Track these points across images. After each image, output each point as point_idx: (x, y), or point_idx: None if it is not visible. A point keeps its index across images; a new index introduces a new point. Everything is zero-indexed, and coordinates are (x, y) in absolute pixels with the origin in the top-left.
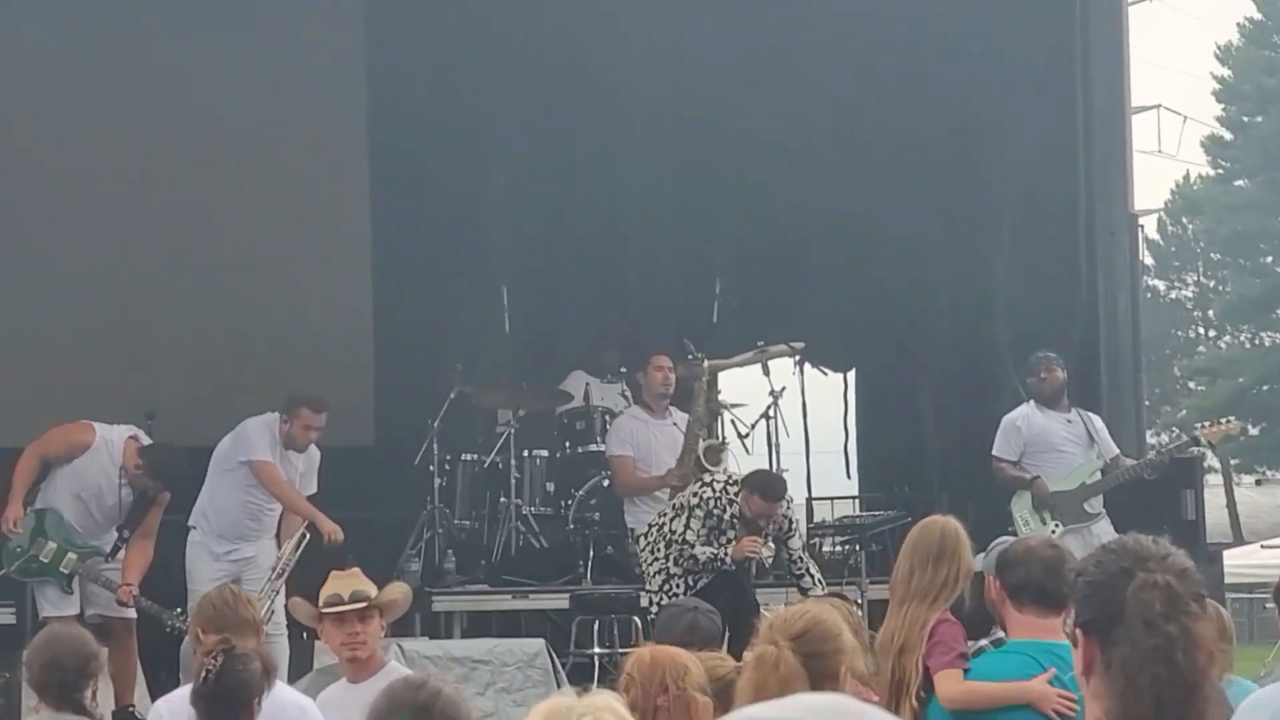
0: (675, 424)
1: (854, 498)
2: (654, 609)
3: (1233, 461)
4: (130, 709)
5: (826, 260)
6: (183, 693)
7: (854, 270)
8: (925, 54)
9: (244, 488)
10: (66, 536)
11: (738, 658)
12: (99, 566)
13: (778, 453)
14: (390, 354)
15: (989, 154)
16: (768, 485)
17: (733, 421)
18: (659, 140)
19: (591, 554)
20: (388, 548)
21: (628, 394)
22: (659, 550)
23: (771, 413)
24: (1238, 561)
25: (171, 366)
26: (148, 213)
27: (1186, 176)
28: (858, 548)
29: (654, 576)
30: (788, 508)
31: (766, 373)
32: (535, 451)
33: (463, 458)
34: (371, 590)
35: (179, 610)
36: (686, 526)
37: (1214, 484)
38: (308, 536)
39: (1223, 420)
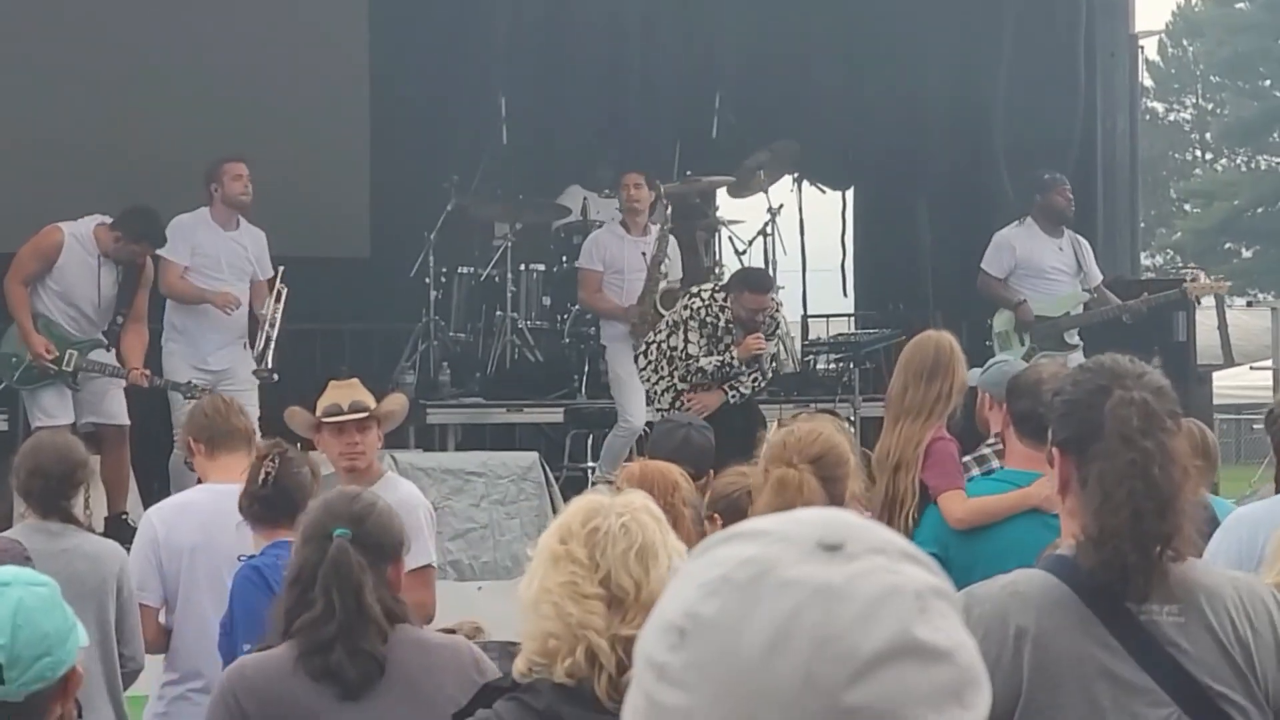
0: (657, 238)
1: (849, 315)
2: None
3: (1226, 283)
4: (123, 516)
5: (826, 77)
6: (175, 501)
7: (853, 87)
8: None
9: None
10: (61, 335)
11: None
12: (101, 360)
13: (775, 270)
14: (386, 165)
15: None
16: (756, 279)
17: (730, 238)
18: None
19: (586, 368)
20: (383, 359)
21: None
22: (663, 368)
23: (769, 230)
24: (1227, 382)
25: (164, 182)
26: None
27: None
28: (852, 365)
29: (663, 395)
30: (777, 307)
31: (765, 191)
32: (532, 265)
33: (459, 270)
34: (370, 401)
35: (189, 381)
36: (686, 341)
37: (1206, 305)
38: (285, 289)
39: (1212, 277)
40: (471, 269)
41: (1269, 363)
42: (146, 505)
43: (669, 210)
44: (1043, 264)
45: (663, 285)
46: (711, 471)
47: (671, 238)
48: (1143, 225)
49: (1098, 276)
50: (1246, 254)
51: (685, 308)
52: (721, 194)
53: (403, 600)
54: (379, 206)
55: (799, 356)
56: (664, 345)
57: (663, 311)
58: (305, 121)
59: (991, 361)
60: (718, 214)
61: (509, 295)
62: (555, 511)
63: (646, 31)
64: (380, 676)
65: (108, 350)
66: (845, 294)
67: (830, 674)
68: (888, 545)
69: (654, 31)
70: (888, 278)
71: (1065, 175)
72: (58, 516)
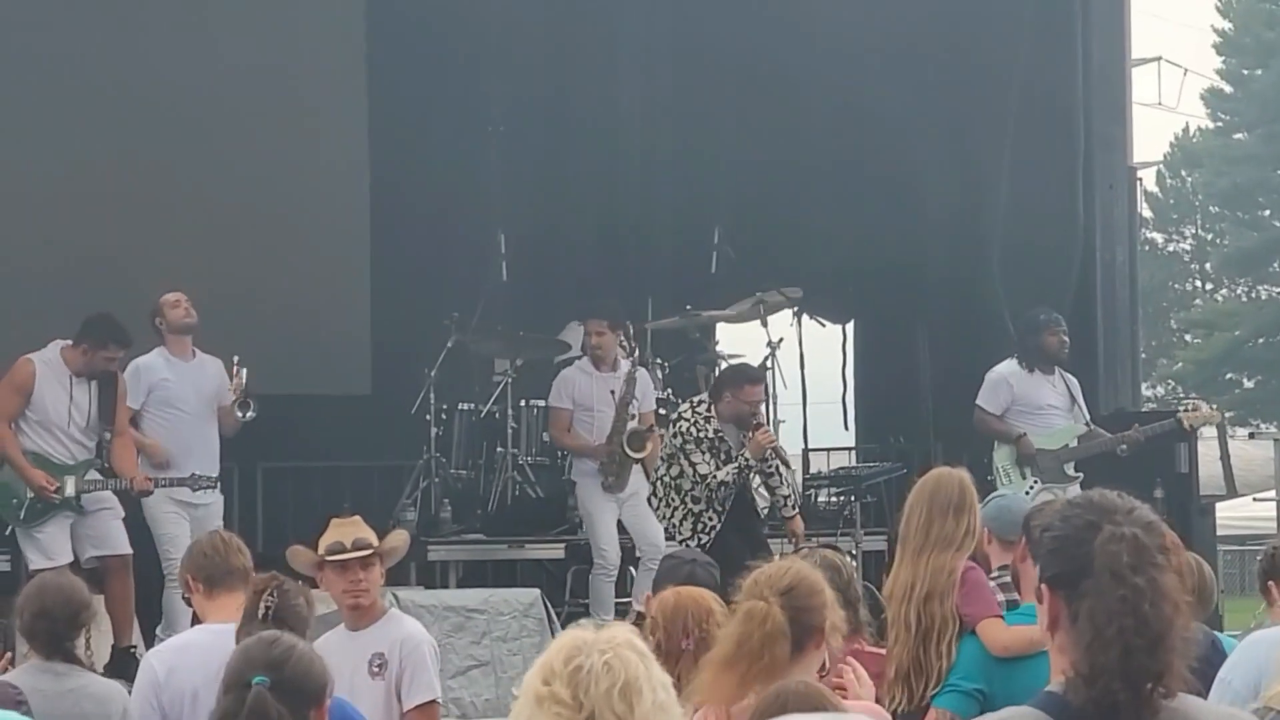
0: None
1: (850, 449)
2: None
3: (1227, 414)
4: (132, 650)
5: (825, 211)
6: (174, 644)
7: (852, 222)
8: (924, 5)
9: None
10: (54, 465)
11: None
12: (99, 476)
13: (775, 404)
14: (387, 303)
15: (988, 105)
16: (751, 372)
17: None
18: (656, 88)
19: None
20: (383, 496)
21: (625, 343)
22: (673, 500)
23: (769, 364)
24: (1231, 514)
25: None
26: (147, 150)
27: (1186, 129)
28: (853, 499)
29: (682, 524)
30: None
31: (764, 324)
32: (532, 401)
33: (459, 407)
34: (373, 538)
35: (191, 474)
36: (692, 465)
37: (1208, 436)
38: (244, 370)
39: (1206, 406)
40: (472, 405)
41: (1272, 494)
42: (145, 636)
43: (635, 352)
44: (1039, 400)
45: (631, 425)
46: None
47: (643, 371)
48: (1144, 356)
49: (1088, 414)
50: (1248, 384)
51: (675, 435)
52: (721, 328)
53: None
54: (379, 344)
55: (800, 490)
56: (665, 479)
57: (630, 453)
58: (306, 260)
59: (990, 496)
60: (717, 348)
61: (509, 431)
62: None
63: (645, 167)
64: None
65: (104, 467)
66: (846, 427)
67: None
68: None
69: (652, 167)
70: (888, 411)
71: (1064, 307)
72: (62, 657)
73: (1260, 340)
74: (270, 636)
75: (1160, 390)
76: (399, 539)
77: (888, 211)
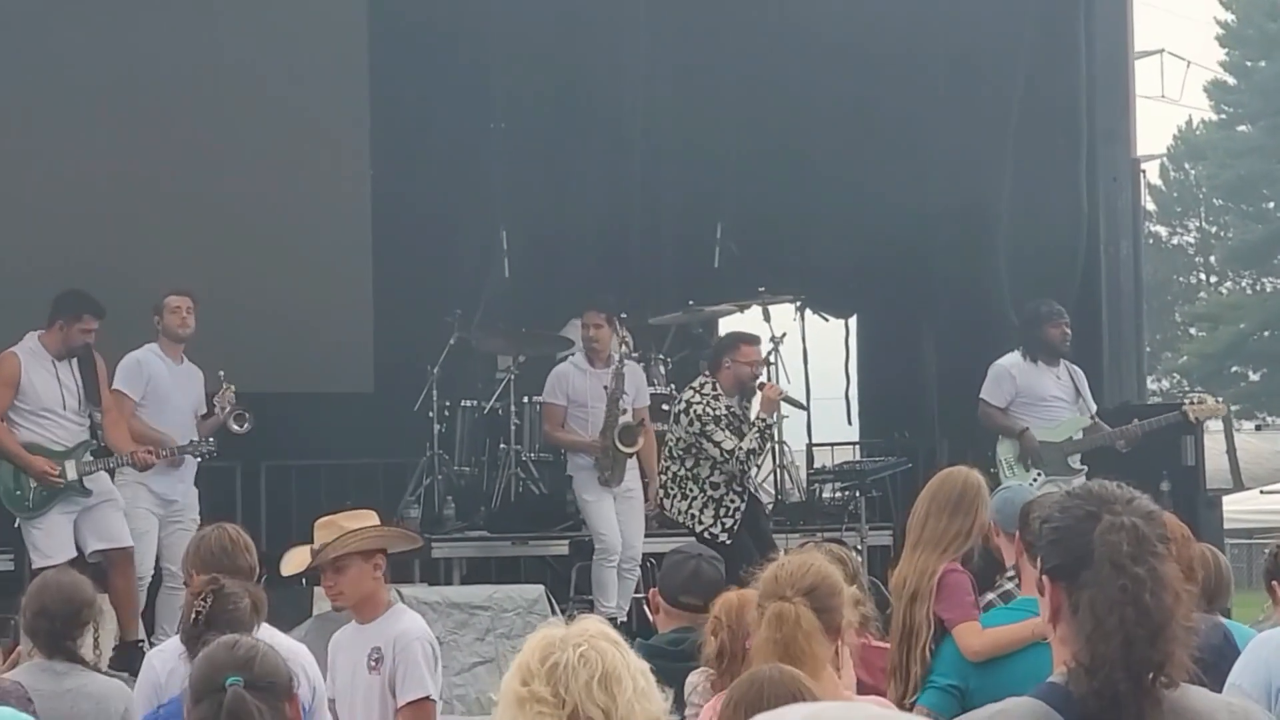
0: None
1: (854, 443)
2: (723, 536)
3: (1233, 408)
4: (139, 644)
5: (828, 206)
6: (175, 644)
7: (856, 215)
8: (927, 1)
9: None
10: (51, 452)
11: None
12: (96, 460)
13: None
14: (389, 300)
15: (991, 99)
16: (746, 334)
17: None
18: (658, 84)
19: None
20: (387, 494)
21: (628, 340)
22: (690, 491)
23: (772, 359)
24: (1237, 507)
25: None
26: (148, 148)
27: (1189, 121)
28: (858, 494)
29: (702, 512)
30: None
31: (767, 319)
32: (535, 398)
33: (462, 404)
34: (335, 534)
35: (190, 440)
36: (716, 444)
37: (1214, 430)
38: (230, 386)
39: (1212, 399)
40: (475, 402)
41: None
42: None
43: (626, 346)
44: (1043, 392)
45: (622, 420)
46: None
47: (636, 366)
48: (1148, 350)
49: (1093, 406)
50: (1254, 377)
51: (691, 421)
52: (724, 323)
53: None
54: (382, 341)
55: (804, 485)
56: (680, 474)
57: (621, 448)
58: (308, 258)
59: (995, 490)
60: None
61: (512, 428)
62: None
63: (648, 163)
64: None
65: (99, 447)
66: (850, 422)
67: None
68: None
69: (655, 163)
70: (892, 405)
71: (1069, 301)
72: (62, 656)
73: (1265, 333)
74: (229, 640)
75: (1165, 384)
76: (356, 520)
77: (891, 205)
